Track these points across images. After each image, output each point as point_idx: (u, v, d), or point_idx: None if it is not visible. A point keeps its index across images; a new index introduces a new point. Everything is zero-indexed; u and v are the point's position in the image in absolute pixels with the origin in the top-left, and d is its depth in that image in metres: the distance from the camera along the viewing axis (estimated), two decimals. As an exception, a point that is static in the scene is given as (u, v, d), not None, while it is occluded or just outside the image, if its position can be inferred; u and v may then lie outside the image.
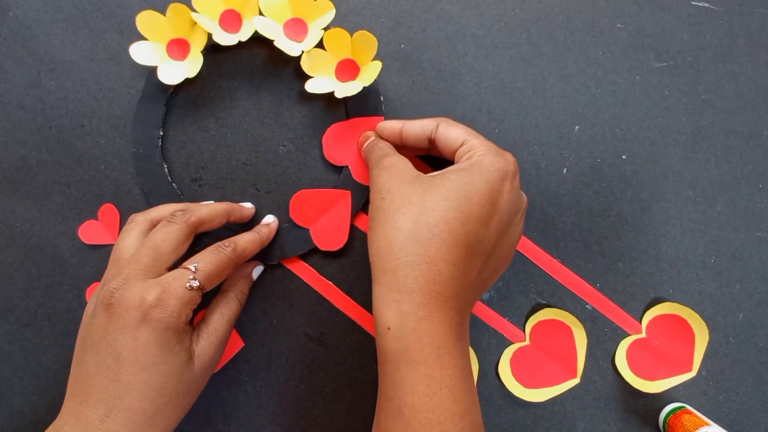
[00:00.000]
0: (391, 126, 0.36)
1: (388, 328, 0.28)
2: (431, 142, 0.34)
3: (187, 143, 0.40)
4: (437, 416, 0.27)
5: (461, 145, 0.32)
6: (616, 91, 0.40)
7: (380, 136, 0.36)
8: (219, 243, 0.33)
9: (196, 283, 0.30)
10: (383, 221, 0.29)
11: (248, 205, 0.39)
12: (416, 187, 0.30)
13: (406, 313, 0.28)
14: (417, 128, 0.34)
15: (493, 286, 0.39)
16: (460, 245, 0.28)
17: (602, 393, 0.39)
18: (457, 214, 0.28)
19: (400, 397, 0.27)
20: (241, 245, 0.34)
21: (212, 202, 0.38)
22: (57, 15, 0.40)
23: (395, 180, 0.31)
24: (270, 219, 0.39)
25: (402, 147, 0.36)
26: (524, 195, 0.33)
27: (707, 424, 0.35)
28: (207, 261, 0.31)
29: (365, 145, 0.37)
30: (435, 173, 0.31)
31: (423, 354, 0.27)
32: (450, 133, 0.33)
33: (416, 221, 0.28)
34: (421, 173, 0.31)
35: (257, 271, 0.38)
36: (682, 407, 0.38)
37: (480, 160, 0.30)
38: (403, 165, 0.32)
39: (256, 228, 0.38)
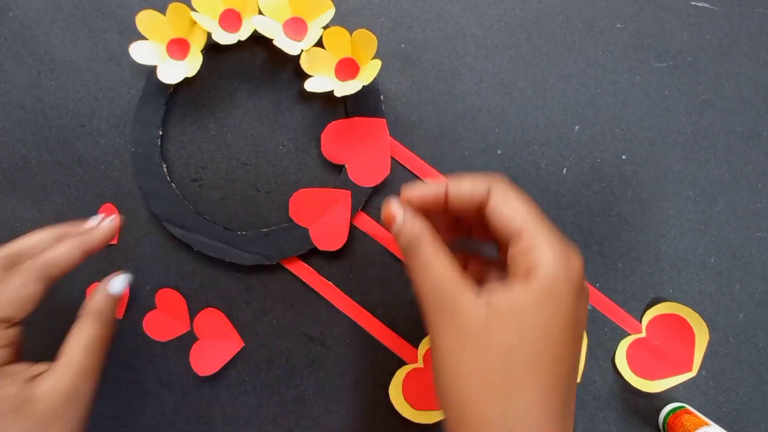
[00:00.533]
0: (425, 193, 0.28)
1: None
2: (480, 213, 0.27)
3: (186, 143, 0.40)
4: None
5: (519, 237, 0.25)
6: (616, 91, 0.40)
7: (411, 204, 0.28)
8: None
9: None
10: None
11: (95, 221, 0.31)
12: (479, 344, 0.23)
13: None
14: (466, 191, 0.27)
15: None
16: (556, 389, 0.23)
17: (602, 393, 0.39)
18: (551, 363, 0.23)
19: None
20: (43, 260, 0.28)
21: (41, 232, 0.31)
22: (57, 15, 0.40)
23: (452, 334, 0.24)
24: (98, 219, 0.32)
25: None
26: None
27: (707, 424, 0.35)
28: None
29: (393, 230, 0.28)
30: (496, 299, 0.24)
31: None
32: (505, 212, 0.25)
33: (506, 400, 0.23)
34: (481, 300, 0.24)
35: (117, 283, 0.32)
36: (682, 407, 0.38)
37: (549, 276, 0.24)
38: (463, 303, 0.24)
39: (83, 231, 0.31)
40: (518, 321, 0.23)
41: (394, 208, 0.28)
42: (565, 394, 0.24)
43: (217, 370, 0.38)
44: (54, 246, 0.30)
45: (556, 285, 0.24)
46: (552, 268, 0.24)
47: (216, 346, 0.39)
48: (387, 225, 0.29)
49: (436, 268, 0.25)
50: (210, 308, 0.39)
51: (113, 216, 0.33)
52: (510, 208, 0.25)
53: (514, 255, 0.25)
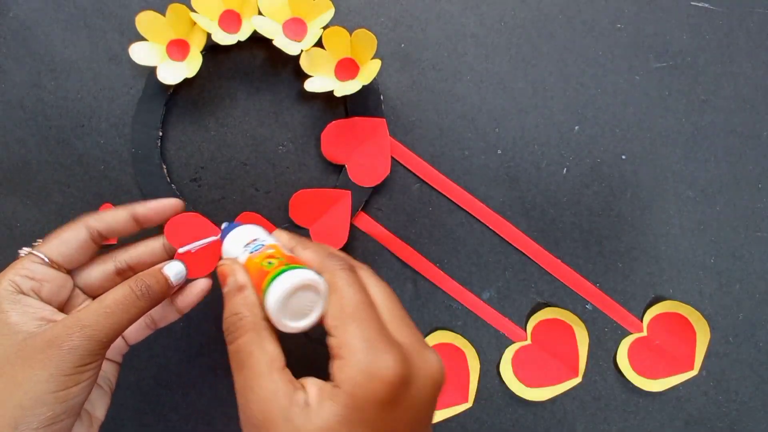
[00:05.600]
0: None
1: None
2: None
3: (186, 143, 0.40)
4: None
5: (331, 334, 0.24)
6: (616, 91, 0.40)
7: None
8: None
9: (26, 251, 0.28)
10: None
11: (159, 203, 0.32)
12: None
13: None
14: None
15: (493, 285, 0.40)
16: None
17: (603, 392, 0.39)
18: None
19: None
20: (89, 214, 0.30)
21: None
22: (57, 15, 0.40)
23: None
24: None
25: None
26: (434, 362, 0.25)
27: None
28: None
29: (224, 289, 0.28)
30: (306, 419, 0.22)
31: None
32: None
33: None
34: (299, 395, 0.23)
35: (172, 268, 0.31)
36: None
37: (349, 391, 0.22)
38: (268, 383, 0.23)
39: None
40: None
41: (227, 266, 0.28)
42: None
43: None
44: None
45: (358, 400, 0.22)
46: (353, 382, 0.23)
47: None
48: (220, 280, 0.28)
49: (262, 382, 0.24)
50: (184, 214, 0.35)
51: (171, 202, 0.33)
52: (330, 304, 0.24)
53: (330, 349, 0.24)
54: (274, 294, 0.25)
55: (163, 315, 0.33)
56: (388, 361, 0.22)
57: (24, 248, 0.29)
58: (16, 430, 0.24)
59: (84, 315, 0.26)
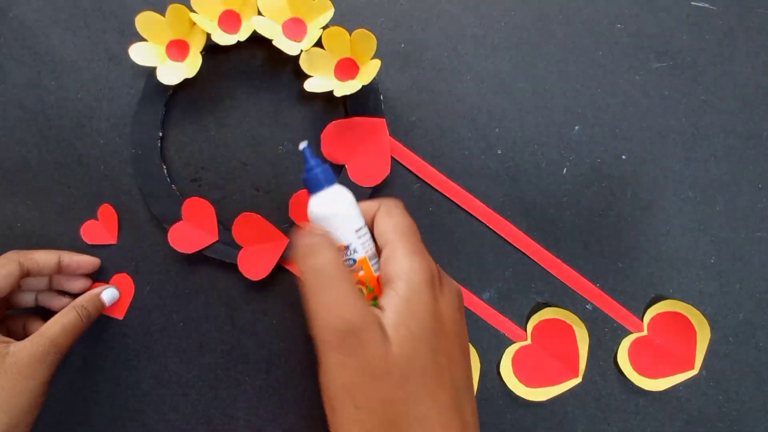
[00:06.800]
0: None
1: None
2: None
3: (186, 143, 0.40)
4: None
5: (383, 248, 0.28)
6: (616, 91, 0.40)
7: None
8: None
9: None
10: None
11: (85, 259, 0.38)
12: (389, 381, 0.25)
13: None
14: (364, 209, 0.30)
15: (493, 284, 0.40)
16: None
17: (603, 393, 0.39)
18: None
19: None
20: (22, 251, 0.36)
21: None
22: (57, 15, 0.40)
23: (352, 371, 0.25)
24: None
25: None
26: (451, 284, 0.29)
27: None
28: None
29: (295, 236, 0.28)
30: (392, 325, 0.25)
31: None
32: (378, 228, 0.28)
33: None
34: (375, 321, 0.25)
35: (108, 294, 0.38)
36: None
37: (410, 269, 0.26)
38: (372, 345, 0.25)
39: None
40: (404, 340, 0.25)
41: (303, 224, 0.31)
42: (453, 386, 0.27)
43: (268, 273, 0.38)
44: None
45: (412, 283, 0.26)
46: (406, 273, 0.26)
47: (262, 250, 0.38)
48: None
49: (337, 291, 0.25)
50: (246, 213, 0.38)
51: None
52: (381, 224, 0.28)
53: (381, 263, 0.28)
54: None
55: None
56: (427, 259, 0.27)
57: None
58: (17, 428, 0.31)
59: (51, 334, 0.33)
